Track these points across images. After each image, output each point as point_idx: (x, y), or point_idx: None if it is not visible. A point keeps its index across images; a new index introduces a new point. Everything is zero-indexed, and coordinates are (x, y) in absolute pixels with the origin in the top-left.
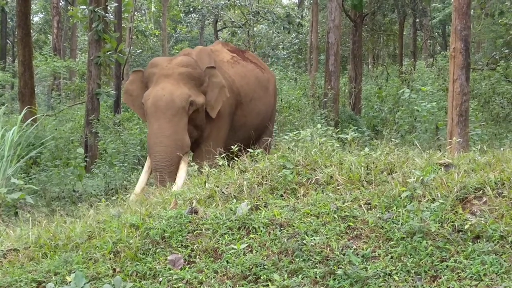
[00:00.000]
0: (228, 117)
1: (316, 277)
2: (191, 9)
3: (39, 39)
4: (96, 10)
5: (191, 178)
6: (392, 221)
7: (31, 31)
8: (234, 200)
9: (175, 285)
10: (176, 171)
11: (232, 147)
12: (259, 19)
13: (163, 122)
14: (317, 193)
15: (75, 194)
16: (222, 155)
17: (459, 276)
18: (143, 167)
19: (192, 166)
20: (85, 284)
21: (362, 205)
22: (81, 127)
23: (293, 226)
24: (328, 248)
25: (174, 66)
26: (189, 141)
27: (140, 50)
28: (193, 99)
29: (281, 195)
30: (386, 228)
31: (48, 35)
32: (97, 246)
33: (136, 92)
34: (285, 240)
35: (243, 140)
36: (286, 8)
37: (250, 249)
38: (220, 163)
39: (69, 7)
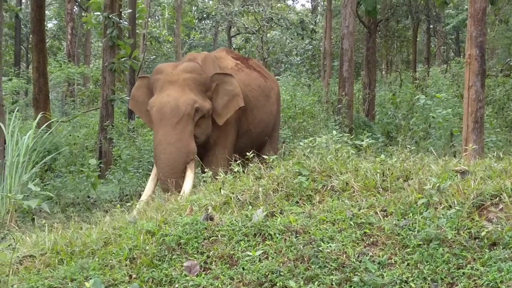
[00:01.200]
0: (235, 123)
1: (332, 284)
2: (205, 15)
3: (53, 45)
4: (110, 16)
5: (206, 184)
6: (409, 228)
7: (45, 37)
8: (250, 207)
9: None
10: (182, 178)
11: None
12: (272, 25)
13: (168, 129)
14: (332, 200)
15: (89, 200)
16: (236, 161)
17: (475, 283)
18: None
19: (206, 172)
20: None
21: (378, 212)
22: (96, 133)
23: (309, 233)
24: (344, 255)
25: (179, 72)
26: (195, 148)
27: (154, 56)
28: (199, 105)
29: (297, 202)
30: (402, 235)
31: (62, 41)
32: (113, 253)
33: (141, 98)
34: (301, 247)
35: (245, 148)
36: (300, 14)
37: (266, 255)
38: (236, 170)
39: (83, 14)
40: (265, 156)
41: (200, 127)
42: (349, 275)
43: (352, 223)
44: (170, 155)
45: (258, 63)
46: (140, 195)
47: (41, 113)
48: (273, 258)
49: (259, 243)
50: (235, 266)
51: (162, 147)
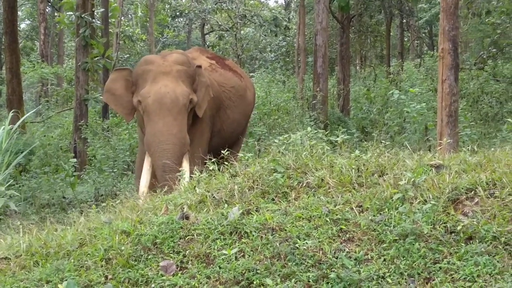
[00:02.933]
0: (210, 121)
1: (309, 281)
2: (178, 13)
3: (26, 46)
4: (82, 16)
5: (181, 183)
6: (384, 224)
7: (18, 38)
8: (226, 205)
9: None
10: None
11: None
12: (246, 22)
13: (170, 119)
14: (308, 197)
15: (65, 201)
16: (212, 160)
17: (452, 277)
18: (132, 172)
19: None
20: None
21: (354, 208)
22: (70, 133)
23: (285, 230)
24: (321, 252)
25: (171, 63)
26: (189, 140)
27: (128, 55)
28: (192, 97)
29: (273, 199)
30: (378, 231)
31: (35, 41)
32: (89, 254)
33: (120, 91)
34: (277, 244)
35: (217, 147)
36: (273, 11)
37: (242, 254)
38: (211, 168)
39: (55, 14)
40: (240, 154)
41: (189, 120)
42: (326, 271)
43: (328, 219)
44: (174, 146)
45: (233, 63)
46: (116, 194)
47: (12, 111)
48: (249, 256)
49: (235, 242)
50: (211, 265)
51: (165, 138)
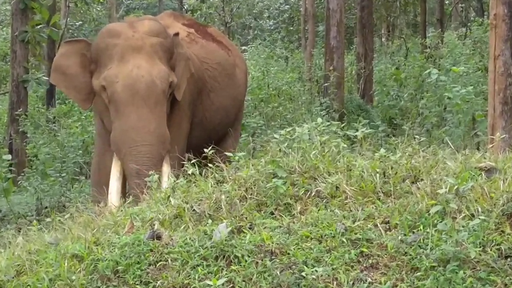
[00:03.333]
0: (188, 108)
1: None
2: None
3: None
4: None
5: (151, 191)
6: (419, 245)
7: None
8: (210, 221)
9: None
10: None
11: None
12: None
13: (145, 112)
14: (318, 210)
15: None
16: (191, 160)
17: None
18: (86, 177)
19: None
20: None
21: (379, 225)
22: (4, 126)
23: (288, 253)
24: (335, 283)
25: (143, 35)
26: (169, 136)
27: (80, 22)
28: (171, 79)
29: (272, 213)
30: (410, 255)
31: None
32: (29, 285)
33: (74, 70)
34: (278, 272)
35: (199, 143)
36: None
37: (231, 285)
38: (190, 171)
39: None
40: (228, 153)
41: (167, 109)
42: None
43: (344, 239)
44: (152, 147)
45: (218, 31)
46: (64, 206)
47: None
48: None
49: (223, 269)
50: None
51: (140, 137)
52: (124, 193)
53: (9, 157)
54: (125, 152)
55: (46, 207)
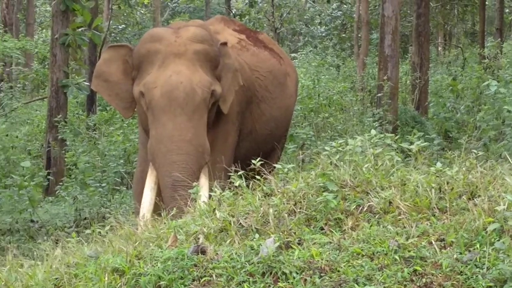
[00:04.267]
0: (237, 119)
1: None
2: None
3: None
4: None
5: (196, 204)
6: (475, 264)
7: None
8: (256, 235)
9: None
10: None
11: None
12: None
13: (182, 120)
14: (370, 226)
15: (33, 226)
16: (238, 172)
17: None
18: (127, 187)
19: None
20: None
21: (433, 242)
22: (42, 133)
23: (338, 271)
24: None
25: (187, 41)
26: (209, 147)
27: (123, 26)
28: (214, 88)
29: (321, 228)
30: (466, 274)
31: None
32: None
33: (116, 77)
34: None
35: (247, 155)
36: None
37: None
38: (237, 184)
39: None
40: (277, 165)
41: (209, 119)
42: None
43: (397, 257)
44: (188, 156)
45: (270, 39)
46: (104, 217)
47: None
48: None
49: (270, 286)
50: None
51: (175, 145)
52: (158, 205)
53: (28, 164)
54: (160, 161)
55: (86, 218)
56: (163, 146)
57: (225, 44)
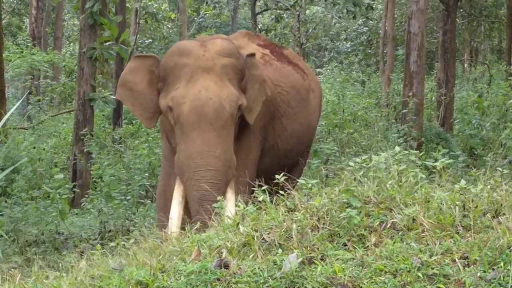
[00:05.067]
0: (260, 133)
1: None
2: None
3: (12, 23)
4: None
5: (220, 218)
6: (498, 283)
7: (1, 12)
8: (280, 250)
9: None
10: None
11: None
12: None
13: (211, 136)
14: (394, 242)
15: (59, 238)
16: (261, 187)
17: None
18: (152, 201)
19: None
20: None
21: (457, 260)
22: (68, 145)
23: (361, 287)
24: None
25: (215, 55)
26: (235, 162)
27: (150, 40)
28: (241, 102)
29: (344, 244)
30: None
31: (24, 18)
32: None
33: (141, 87)
34: None
35: (268, 170)
36: None
37: None
38: (260, 198)
39: None
40: (300, 181)
41: (234, 132)
42: None
43: (420, 274)
44: (217, 172)
45: (294, 54)
46: (129, 230)
47: None
48: None
49: None
50: None
51: (204, 161)
52: (186, 219)
53: (61, 176)
54: (188, 176)
55: (110, 231)
56: (192, 161)
57: (252, 55)
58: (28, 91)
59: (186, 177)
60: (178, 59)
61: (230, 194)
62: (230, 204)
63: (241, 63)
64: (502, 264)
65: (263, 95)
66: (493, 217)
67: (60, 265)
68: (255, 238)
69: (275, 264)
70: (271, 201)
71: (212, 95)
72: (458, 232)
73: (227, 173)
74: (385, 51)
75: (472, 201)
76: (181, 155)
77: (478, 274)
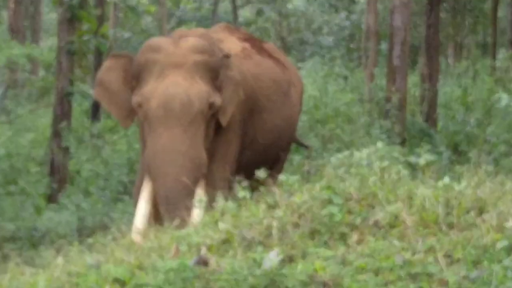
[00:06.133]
0: (239, 128)
1: None
2: None
3: None
4: None
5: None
6: (483, 282)
7: None
8: (260, 248)
9: None
10: (192, 202)
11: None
12: None
13: (177, 132)
14: (376, 240)
15: (36, 234)
16: (241, 182)
17: None
18: (130, 196)
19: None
20: None
21: (440, 258)
22: (46, 140)
23: (342, 285)
24: None
25: (186, 51)
26: (206, 160)
27: (130, 34)
28: (213, 99)
29: (325, 242)
30: None
31: (2, 11)
32: None
33: (116, 86)
34: None
35: (248, 166)
36: None
37: None
38: (240, 195)
39: None
40: (281, 177)
41: (207, 131)
42: None
43: (402, 273)
44: (182, 168)
45: (274, 47)
46: (107, 226)
47: None
48: None
49: None
50: None
51: (170, 158)
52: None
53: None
54: (154, 172)
55: (88, 227)
56: (158, 157)
57: (227, 56)
58: (6, 85)
59: (153, 174)
60: (149, 55)
61: (201, 192)
62: (201, 203)
63: (215, 61)
64: (486, 262)
65: (237, 98)
66: (477, 215)
67: (36, 261)
68: (235, 235)
69: (255, 262)
70: (251, 198)
71: (180, 90)
72: (441, 230)
73: (195, 170)
74: (368, 46)
75: (456, 198)
76: (148, 151)
77: (462, 273)
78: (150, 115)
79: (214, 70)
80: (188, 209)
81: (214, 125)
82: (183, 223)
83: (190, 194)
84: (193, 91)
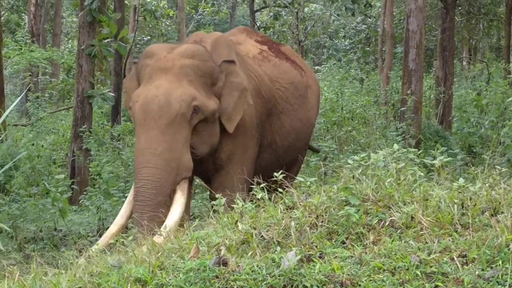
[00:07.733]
0: (257, 131)
1: None
2: None
3: (11, 20)
4: None
5: (220, 216)
6: (497, 281)
7: (0, 9)
8: (278, 248)
9: None
10: (168, 204)
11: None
12: None
13: (154, 134)
14: (392, 240)
15: (57, 235)
16: (260, 184)
17: None
18: None
19: (218, 198)
20: None
21: (455, 258)
22: (67, 142)
23: (359, 285)
24: None
25: (176, 56)
26: (190, 163)
27: (149, 37)
28: (198, 103)
29: (343, 242)
30: None
31: (23, 14)
32: None
33: (131, 91)
34: None
35: (267, 168)
36: None
37: None
38: (259, 196)
39: None
40: (299, 178)
41: (200, 135)
42: None
43: (418, 272)
44: (155, 170)
45: (292, 50)
46: (127, 228)
47: None
48: None
49: None
50: None
51: (145, 159)
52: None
53: (62, 176)
54: (135, 175)
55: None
56: (136, 158)
57: (231, 61)
58: (27, 88)
59: (134, 174)
60: (143, 61)
61: (179, 196)
62: (176, 205)
63: (210, 66)
64: (500, 262)
65: (244, 104)
66: (492, 215)
67: (58, 262)
68: (254, 235)
69: (274, 262)
70: (270, 199)
71: (160, 93)
72: (456, 230)
73: (171, 172)
74: (383, 49)
75: (471, 199)
76: (134, 153)
77: (477, 273)
78: (134, 117)
79: (208, 75)
80: (157, 210)
81: (213, 130)
82: (150, 222)
83: (162, 196)
84: (174, 94)
